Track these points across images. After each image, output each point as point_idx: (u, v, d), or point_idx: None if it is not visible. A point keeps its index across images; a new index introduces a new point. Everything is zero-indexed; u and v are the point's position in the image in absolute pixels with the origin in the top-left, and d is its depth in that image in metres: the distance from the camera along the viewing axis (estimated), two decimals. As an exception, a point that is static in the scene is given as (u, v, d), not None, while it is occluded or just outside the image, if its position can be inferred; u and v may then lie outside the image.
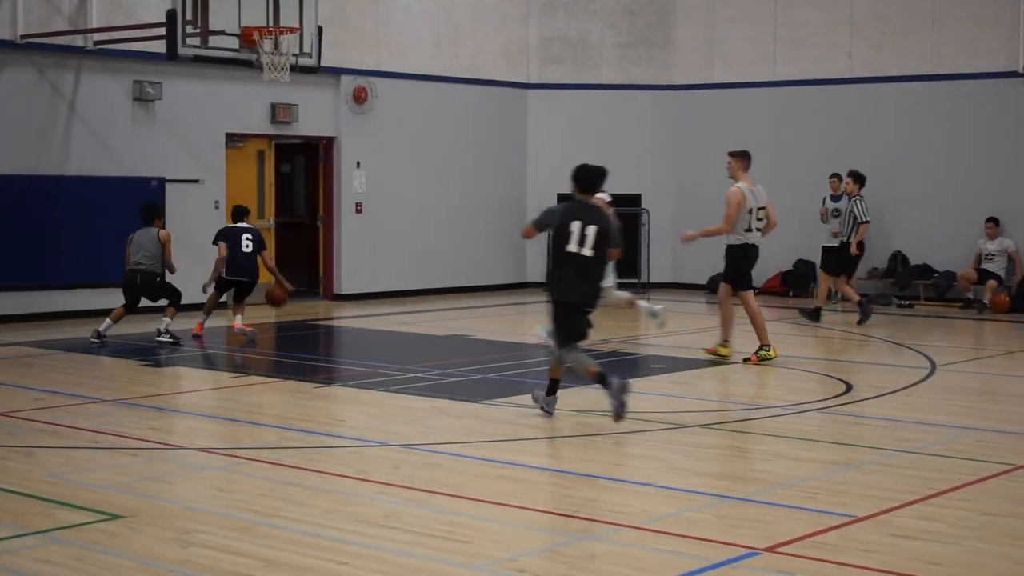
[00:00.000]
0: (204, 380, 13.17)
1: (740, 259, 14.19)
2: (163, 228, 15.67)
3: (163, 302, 15.66)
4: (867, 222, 18.74)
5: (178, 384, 12.95)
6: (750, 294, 14.30)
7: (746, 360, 13.99)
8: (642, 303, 15.04)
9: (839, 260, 18.95)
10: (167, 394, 12.15)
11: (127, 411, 10.97)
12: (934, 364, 14.04)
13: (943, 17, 21.24)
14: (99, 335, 15.20)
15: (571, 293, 10.31)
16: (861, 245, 18.81)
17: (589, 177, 10.52)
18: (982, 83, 20.90)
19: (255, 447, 9.52)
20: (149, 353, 14.71)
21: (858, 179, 18.95)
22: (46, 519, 7.33)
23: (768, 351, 13.99)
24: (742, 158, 14.36)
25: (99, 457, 9.12)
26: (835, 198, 21.15)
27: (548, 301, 10.61)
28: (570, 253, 10.19)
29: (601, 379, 10.05)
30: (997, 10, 20.83)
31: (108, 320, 15.37)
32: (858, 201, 18.79)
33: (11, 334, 16.14)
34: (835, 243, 21.12)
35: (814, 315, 18.42)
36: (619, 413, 9.92)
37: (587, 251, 10.18)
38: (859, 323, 18.05)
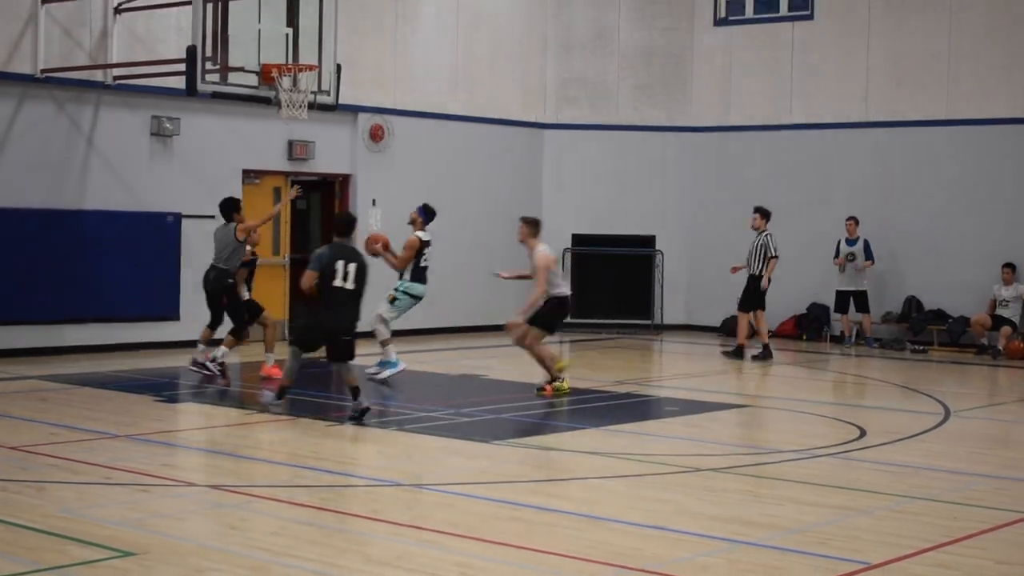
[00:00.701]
0: (217, 416, 13.16)
1: (560, 310, 14.77)
2: (242, 221, 15.41)
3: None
4: (777, 257, 19.10)
5: (191, 420, 12.95)
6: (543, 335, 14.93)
7: (540, 391, 14.51)
8: (389, 348, 15.68)
9: (750, 294, 19.27)
10: (180, 430, 12.15)
11: (140, 447, 10.98)
12: (948, 410, 14.00)
13: (958, 63, 21.28)
14: (216, 362, 15.04)
15: (336, 320, 12.37)
16: (768, 280, 19.17)
17: (344, 223, 12.94)
18: (998, 128, 20.91)
19: (268, 485, 9.51)
20: (163, 388, 14.73)
21: (765, 215, 19.41)
22: (58, 555, 7.32)
23: (562, 383, 14.66)
24: (533, 225, 14.83)
25: (112, 493, 9.13)
26: (850, 242, 21.20)
27: (306, 325, 12.83)
28: (336, 287, 12.32)
29: (281, 392, 12.68)
30: (1012, 56, 20.87)
31: (223, 347, 15.20)
32: (769, 236, 19.16)
33: (26, 368, 16.17)
34: (849, 287, 21.18)
35: (737, 353, 18.98)
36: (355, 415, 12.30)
37: (349, 285, 12.33)
38: (754, 358, 18.82)
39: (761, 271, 19.08)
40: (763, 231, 19.24)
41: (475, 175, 22.85)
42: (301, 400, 14.38)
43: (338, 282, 12.30)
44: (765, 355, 18.85)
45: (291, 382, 12.79)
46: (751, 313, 19.25)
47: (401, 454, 10.93)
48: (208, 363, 15.04)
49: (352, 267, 12.36)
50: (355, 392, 12.42)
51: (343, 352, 12.53)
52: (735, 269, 19.67)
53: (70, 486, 9.26)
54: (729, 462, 10.76)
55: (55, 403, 13.44)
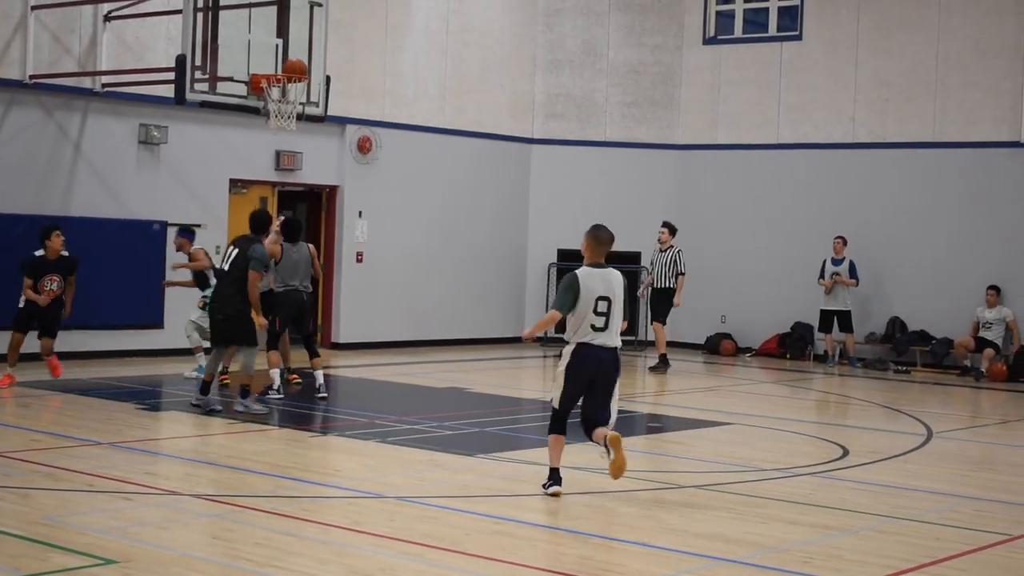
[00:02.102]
0: (200, 426, 13.13)
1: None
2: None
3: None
4: (684, 274, 19.61)
5: (174, 429, 12.92)
6: None
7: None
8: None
9: (659, 306, 19.74)
10: (163, 438, 12.13)
11: (123, 455, 10.95)
12: (930, 431, 14.04)
13: (946, 85, 21.38)
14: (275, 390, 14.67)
15: (216, 302, 13.63)
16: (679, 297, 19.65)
17: (255, 221, 13.83)
18: (984, 152, 21.00)
19: (251, 495, 9.49)
20: (146, 396, 14.69)
21: (672, 231, 19.92)
22: (40, 562, 7.30)
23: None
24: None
25: (94, 500, 9.10)
26: (836, 261, 21.25)
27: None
28: (221, 269, 13.69)
29: (244, 392, 13.41)
30: (999, 80, 20.96)
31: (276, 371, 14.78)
32: (679, 253, 19.63)
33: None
34: (833, 307, 21.22)
35: (663, 364, 19.37)
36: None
37: (226, 267, 13.50)
38: (652, 369, 19.29)
39: (671, 285, 19.45)
40: (671, 247, 19.50)
41: (462, 189, 22.87)
42: (282, 410, 14.37)
43: (223, 265, 13.61)
44: (663, 366, 19.30)
45: (210, 378, 13.72)
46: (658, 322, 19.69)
47: (384, 466, 10.92)
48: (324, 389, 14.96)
49: (235, 252, 13.47)
50: (243, 392, 13.38)
51: (224, 336, 13.58)
52: (642, 291, 20.02)
53: (53, 493, 9.24)
54: (712, 480, 10.77)
55: (37, 409, 13.41)
